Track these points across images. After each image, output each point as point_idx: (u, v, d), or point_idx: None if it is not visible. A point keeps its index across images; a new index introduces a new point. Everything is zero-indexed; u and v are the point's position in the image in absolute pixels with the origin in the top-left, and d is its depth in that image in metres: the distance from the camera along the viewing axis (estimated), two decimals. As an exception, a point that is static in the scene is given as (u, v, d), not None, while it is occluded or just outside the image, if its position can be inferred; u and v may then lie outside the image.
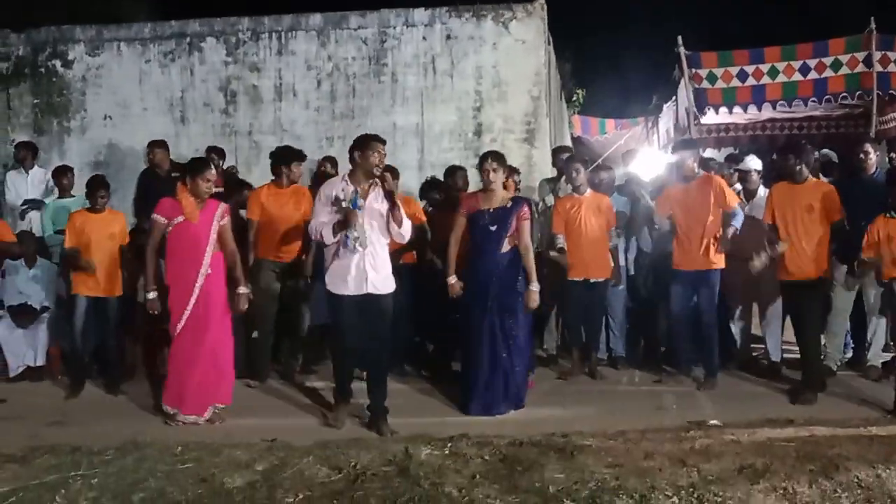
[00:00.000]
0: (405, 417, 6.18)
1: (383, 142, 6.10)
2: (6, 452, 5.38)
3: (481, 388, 6.46)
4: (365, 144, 6.02)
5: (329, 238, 5.98)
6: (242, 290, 6.45)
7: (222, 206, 6.50)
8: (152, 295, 6.36)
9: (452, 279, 6.66)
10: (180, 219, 6.27)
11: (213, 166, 6.57)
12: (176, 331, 6.29)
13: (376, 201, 5.99)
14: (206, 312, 6.30)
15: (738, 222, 7.02)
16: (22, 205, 9.25)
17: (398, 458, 5.09)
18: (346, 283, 5.99)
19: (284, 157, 7.66)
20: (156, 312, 6.39)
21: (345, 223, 5.88)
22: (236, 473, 4.91)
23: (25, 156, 9.55)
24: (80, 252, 7.29)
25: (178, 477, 4.87)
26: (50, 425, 6.28)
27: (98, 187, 7.51)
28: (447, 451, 5.23)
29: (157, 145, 9.19)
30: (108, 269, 7.40)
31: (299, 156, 7.79)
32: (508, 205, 6.57)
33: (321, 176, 8.88)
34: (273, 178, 7.66)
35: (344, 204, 5.90)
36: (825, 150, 8.93)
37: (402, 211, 6.00)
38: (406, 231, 6.07)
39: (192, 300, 6.24)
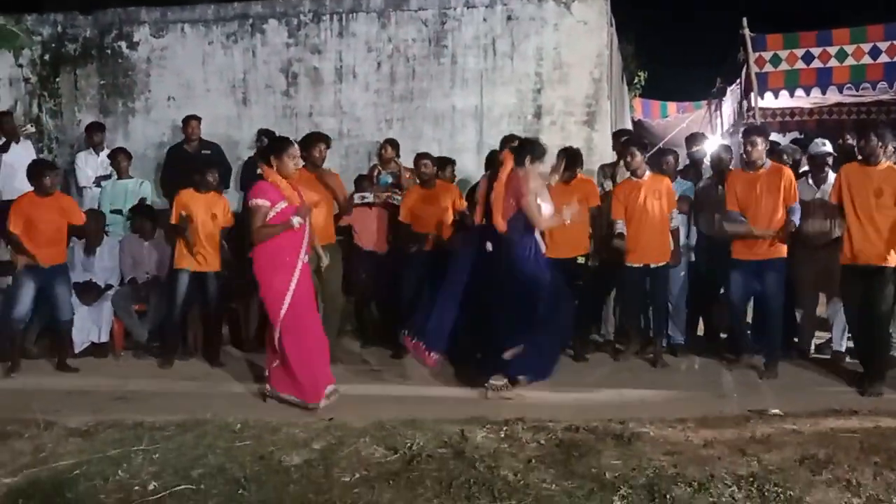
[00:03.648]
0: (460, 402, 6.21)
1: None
2: (71, 426, 5.52)
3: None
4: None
5: None
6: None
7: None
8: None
9: None
10: (283, 204, 6.13)
11: (295, 143, 6.50)
12: (280, 318, 6.09)
13: None
14: (306, 297, 6.29)
15: (796, 218, 6.87)
16: (94, 182, 9.42)
17: (454, 440, 5.10)
18: None
19: (305, 142, 7.46)
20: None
21: None
22: (294, 451, 4.97)
23: (102, 139, 9.71)
24: (188, 223, 7.57)
25: (237, 454, 4.95)
26: (114, 400, 6.42)
27: (207, 170, 7.86)
28: (503, 435, 5.22)
29: (194, 118, 9.58)
30: (210, 245, 7.67)
31: (321, 138, 7.68)
32: None
33: (382, 158, 8.98)
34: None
35: None
36: None
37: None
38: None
39: (293, 286, 6.10)
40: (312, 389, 6.11)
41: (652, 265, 7.42)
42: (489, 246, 6.52)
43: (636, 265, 7.42)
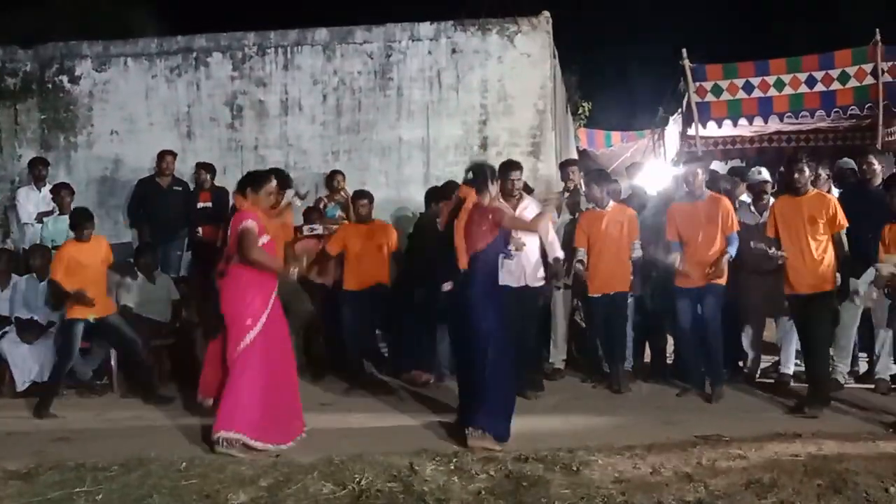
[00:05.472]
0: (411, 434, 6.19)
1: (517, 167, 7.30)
2: (11, 469, 5.39)
3: None
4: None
5: None
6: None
7: None
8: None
9: None
10: (266, 237, 6.14)
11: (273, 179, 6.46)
12: (237, 352, 5.95)
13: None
14: (280, 336, 6.19)
15: (733, 249, 7.03)
16: (36, 218, 9.25)
17: (403, 473, 5.08)
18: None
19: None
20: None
21: None
22: (240, 489, 4.90)
23: (45, 174, 9.61)
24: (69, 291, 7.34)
25: (183, 493, 4.87)
26: (55, 441, 6.26)
27: (85, 221, 7.59)
28: (452, 467, 5.21)
29: (170, 153, 9.61)
30: (104, 290, 7.62)
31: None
32: None
33: (331, 189, 9.15)
34: None
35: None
36: (845, 159, 8.81)
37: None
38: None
39: (261, 324, 6.00)
40: (285, 428, 6.00)
41: (611, 293, 7.49)
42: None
43: (597, 296, 7.50)
